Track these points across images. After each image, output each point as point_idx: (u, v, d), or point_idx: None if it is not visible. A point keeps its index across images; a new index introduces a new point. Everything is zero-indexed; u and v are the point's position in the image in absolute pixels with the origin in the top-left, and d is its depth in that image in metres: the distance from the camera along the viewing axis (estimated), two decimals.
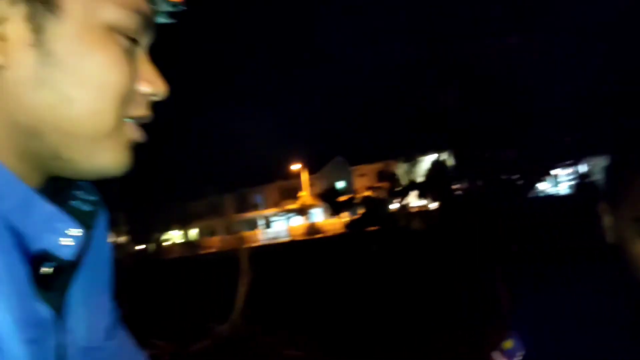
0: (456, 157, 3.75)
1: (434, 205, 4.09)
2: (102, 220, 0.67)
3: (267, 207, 46.14)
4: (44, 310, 0.53)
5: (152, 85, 0.60)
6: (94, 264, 0.64)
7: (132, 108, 0.58)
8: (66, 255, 0.54)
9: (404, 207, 4.10)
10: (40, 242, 0.52)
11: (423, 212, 4.05)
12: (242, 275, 6.61)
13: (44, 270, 0.53)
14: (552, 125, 3.72)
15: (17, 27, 0.52)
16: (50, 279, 0.53)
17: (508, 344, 0.96)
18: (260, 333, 6.20)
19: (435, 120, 3.62)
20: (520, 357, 0.94)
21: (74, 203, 0.61)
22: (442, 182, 3.88)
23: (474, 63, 3.57)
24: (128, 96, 0.57)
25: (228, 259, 7.64)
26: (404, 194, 4.06)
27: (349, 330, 6.27)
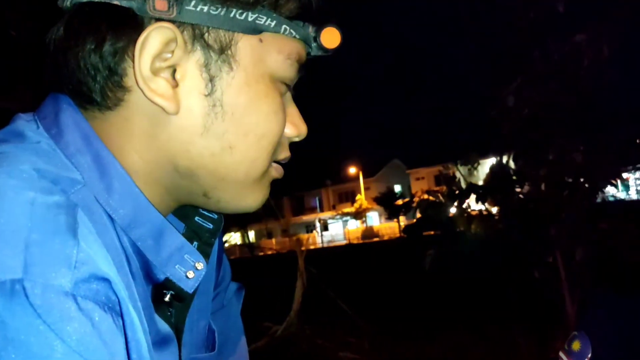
0: (518, 160, 3.62)
1: (494, 210, 3.99)
2: (218, 237, 0.68)
3: (323, 210, 46.37)
4: (164, 326, 0.55)
5: (297, 128, 0.61)
6: (205, 279, 0.65)
7: (279, 152, 0.60)
8: (189, 287, 0.55)
9: (463, 211, 4.00)
10: (167, 272, 0.54)
11: (483, 216, 3.94)
12: (299, 278, 6.64)
13: (167, 298, 0.56)
14: (622, 126, 3.54)
15: (190, 75, 0.52)
16: (166, 303, 0.56)
17: (576, 345, 0.92)
18: (316, 335, 6.22)
19: (496, 122, 3.52)
20: (588, 359, 0.90)
21: (198, 219, 0.63)
22: (503, 186, 3.76)
23: (537, 62, 3.45)
24: (280, 142, 0.58)
25: (285, 261, 7.72)
26: (463, 197, 3.95)
27: (404, 334, 6.19)
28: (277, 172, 0.61)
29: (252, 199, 0.59)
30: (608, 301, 0.96)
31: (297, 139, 0.62)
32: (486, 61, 3.88)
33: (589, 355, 0.90)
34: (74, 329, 0.37)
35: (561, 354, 0.96)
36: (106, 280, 0.41)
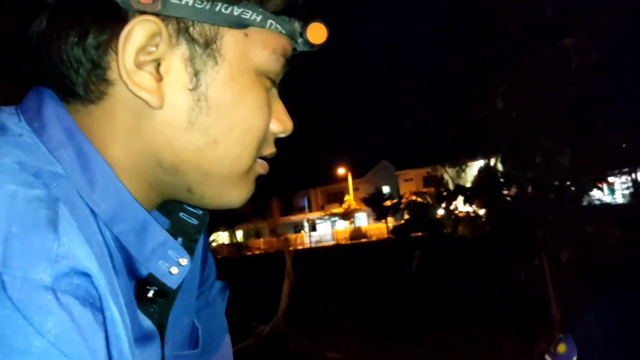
0: (505, 163, 3.63)
1: (482, 212, 4.00)
2: (203, 235, 0.67)
3: (312, 210, 46.35)
4: (147, 323, 0.54)
5: (282, 124, 0.60)
6: (189, 276, 0.64)
7: (265, 148, 0.59)
8: (172, 283, 0.55)
9: (451, 213, 4.00)
10: (150, 267, 0.53)
11: (470, 218, 3.95)
12: (286, 277, 6.64)
13: (150, 294, 0.55)
14: (608, 130, 3.57)
15: (175, 69, 0.52)
16: (149, 299, 0.55)
17: (562, 347, 0.93)
18: (302, 334, 6.21)
19: (484, 125, 3.54)
20: None
21: (182, 215, 0.62)
22: (491, 188, 3.77)
23: (525, 65, 3.48)
24: (265, 138, 0.58)
25: (273, 261, 7.71)
26: (450, 199, 3.95)
27: (390, 335, 6.20)
28: (262, 168, 0.61)
29: (236, 195, 0.58)
30: (594, 304, 0.97)
31: (282, 135, 0.61)
32: (476, 64, 3.90)
33: (575, 358, 0.91)
34: (53, 323, 0.37)
35: (547, 357, 0.96)
36: (87, 275, 0.40)
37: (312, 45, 0.58)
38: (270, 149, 0.60)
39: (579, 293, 3.35)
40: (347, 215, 41.92)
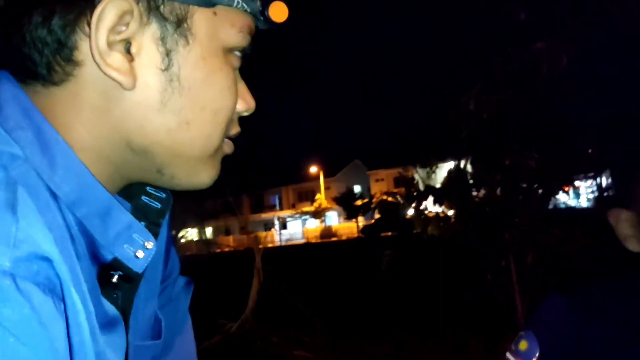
0: (475, 165, 3.69)
1: (451, 212, 4.07)
2: (167, 230, 0.66)
3: (283, 208, 46.25)
4: (111, 308, 0.53)
5: (246, 103, 0.60)
6: (152, 267, 0.63)
7: (231, 128, 0.59)
8: (138, 267, 0.54)
9: (421, 213, 4.04)
10: (115, 251, 0.52)
11: (439, 218, 4.00)
12: (256, 275, 6.61)
13: (114, 279, 0.54)
14: (575, 135, 3.66)
15: (146, 49, 0.51)
16: (113, 285, 0.54)
17: (523, 344, 0.93)
18: (270, 332, 6.19)
19: (455, 127, 3.59)
20: (536, 358, 0.90)
21: (145, 199, 0.61)
22: (460, 189, 3.83)
23: (496, 69, 3.54)
24: (233, 118, 0.58)
25: (242, 259, 7.66)
26: (420, 199, 4.00)
27: (358, 334, 6.23)
28: (228, 148, 0.61)
29: (205, 175, 0.58)
30: (554, 301, 0.97)
31: (246, 114, 0.61)
32: (448, 67, 3.94)
33: (537, 355, 0.91)
34: (11, 310, 0.36)
35: (508, 355, 0.96)
36: (47, 260, 0.39)
37: (273, 24, 0.58)
38: (235, 129, 0.60)
39: (544, 294, 3.42)
40: (318, 214, 41.95)
